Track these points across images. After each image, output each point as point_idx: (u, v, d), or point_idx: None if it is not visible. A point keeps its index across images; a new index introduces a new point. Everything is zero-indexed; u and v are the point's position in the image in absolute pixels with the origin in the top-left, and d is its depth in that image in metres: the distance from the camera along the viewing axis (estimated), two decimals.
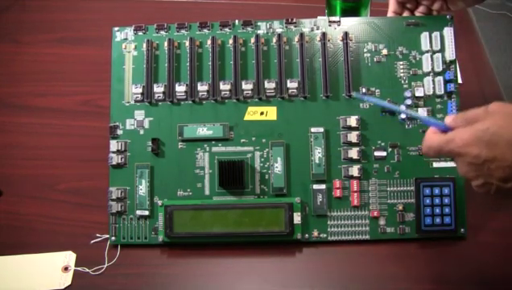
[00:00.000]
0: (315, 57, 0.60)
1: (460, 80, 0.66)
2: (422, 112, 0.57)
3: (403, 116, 0.57)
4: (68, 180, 0.63)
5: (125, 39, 0.62)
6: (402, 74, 0.59)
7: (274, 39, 0.60)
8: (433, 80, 0.58)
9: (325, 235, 0.57)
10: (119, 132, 0.60)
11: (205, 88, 0.59)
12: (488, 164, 0.39)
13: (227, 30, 0.61)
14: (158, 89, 0.59)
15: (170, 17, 0.72)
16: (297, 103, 0.59)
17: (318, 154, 0.58)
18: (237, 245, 0.57)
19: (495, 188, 0.40)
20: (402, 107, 0.51)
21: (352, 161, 0.57)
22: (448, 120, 0.43)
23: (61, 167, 0.64)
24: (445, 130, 0.43)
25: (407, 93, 0.58)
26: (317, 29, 0.60)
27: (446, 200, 0.56)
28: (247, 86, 0.59)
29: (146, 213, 0.58)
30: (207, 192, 0.58)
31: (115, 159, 0.59)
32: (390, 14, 0.61)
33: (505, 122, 0.39)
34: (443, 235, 0.56)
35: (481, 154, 0.39)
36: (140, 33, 0.61)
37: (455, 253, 0.57)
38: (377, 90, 0.59)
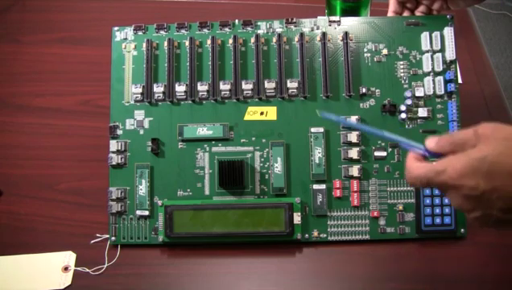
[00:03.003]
0: (315, 57, 0.60)
1: (460, 80, 0.66)
2: (422, 112, 0.57)
3: (403, 116, 0.57)
4: (68, 180, 0.63)
5: (125, 38, 0.62)
6: (402, 74, 0.59)
7: (274, 39, 0.60)
8: (433, 80, 0.58)
9: (325, 235, 0.57)
10: (119, 132, 0.59)
11: (205, 88, 0.59)
12: (487, 195, 0.34)
13: (227, 30, 0.61)
14: (158, 88, 0.59)
15: (170, 17, 0.72)
16: (297, 103, 0.59)
17: (318, 154, 0.57)
18: (237, 245, 0.57)
19: (494, 219, 0.36)
20: (382, 131, 0.46)
21: (352, 161, 0.57)
22: (431, 144, 0.38)
23: (61, 167, 0.64)
24: (427, 154, 0.39)
25: (407, 93, 0.58)
26: (317, 29, 0.60)
27: (446, 201, 0.56)
28: (247, 86, 0.59)
29: (146, 213, 0.58)
30: (207, 192, 0.58)
31: (115, 159, 0.59)
32: (390, 13, 0.61)
33: (504, 148, 0.34)
34: (443, 235, 0.56)
35: (478, 185, 0.34)
36: (140, 33, 0.61)
37: (455, 253, 0.57)
38: (377, 90, 0.59)
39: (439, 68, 0.58)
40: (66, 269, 0.57)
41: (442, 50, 0.58)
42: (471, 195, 0.35)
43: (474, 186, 0.35)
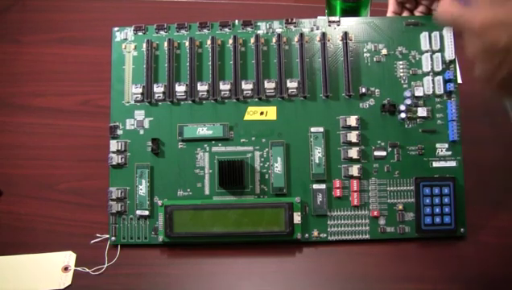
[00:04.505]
0: (314, 57, 0.60)
1: (459, 80, 0.66)
2: (421, 112, 0.57)
3: (403, 115, 0.57)
4: (68, 180, 0.63)
5: (125, 39, 0.62)
6: (401, 74, 0.59)
7: (274, 39, 0.60)
8: (433, 80, 0.58)
9: (325, 235, 0.57)
10: (119, 132, 0.60)
11: (205, 88, 0.59)
12: (503, 53, 0.35)
13: (227, 30, 0.61)
14: (158, 89, 0.59)
15: (170, 17, 0.72)
16: (297, 103, 0.59)
17: (318, 153, 0.58)
18: (237, 245, 0.57)
19: (500, 79, 0.36)
20: None
21: (352, 161, 0.57)
22: None
23: (61, 167, 0.64)
24: (465, 2, 0.40)
25: (407, 93, 0.58)
26: (317, 29, 0.60)
27: (446, 200, 0.56)
28: (247, 86, 0.59)
29: (146, 213, 0.58)
30: (207, 191, 0.58)
31: (115, 159, 0.59)
32: (389, 14, 0.61)
33: None
34: (443, 235, 0.56)
35: (500, 40, 0.35)
36: (140, 33, 0.61)
37: (455, 252, 0.57)
38: (376, 90, 0.59)
39: (438, 67, 0.58)
40: (66, 269, 0.57)
41: (441, 50, 0.58)
42: (490, 46, 0.36)
43: (496, 39, 0.35)
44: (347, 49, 0.59)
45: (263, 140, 0.58)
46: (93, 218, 0.60)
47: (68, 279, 0.56)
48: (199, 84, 0.59)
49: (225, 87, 0.59)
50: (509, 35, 0.34)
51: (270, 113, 0.59)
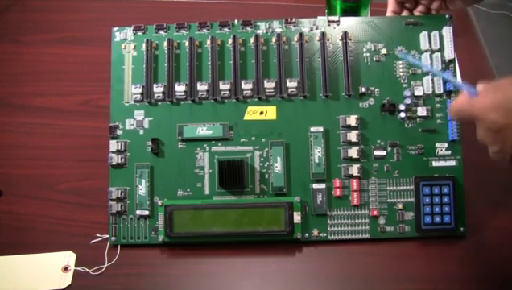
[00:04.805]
0: (314, 57, 0.60)
1: (459, 80, 0.66)
2: (421, 111, 0.57)
3: (403, 115, 0.57)
4: (68, 180, 0.63)
5: (125, 39, 0.62)
6: (401, 73, 0.59)
7: (274, 39, 0.60)
8: (432, 80, 0.58)
9: (325, 234, 0.57)
10: (119, 132, 0.60)
11: (205, 87, 0.59)
12: (504, 132, 0.40)
13: (226, 30, 0.61)
14: (158, 88, 0.59)
15: (170, 17, 0.72)
16: (297, 103, 0.59)
17: (318, 153, 0.58)
18: (237, 245, 0.57)
19: (509, 157, 0.41)
20: (441, 72, 0.53)
21: (351, 160, 0.57)
22: (480, 87, 0.44)
23: (61, 167, 0.64)
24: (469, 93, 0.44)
25: (407, 93, 0.58)
26: (316, 29, 0.60)
27: (446, 199, 0.56)
28: (247, 86, 0.59)
29: (146, 213, 0.58)
30: (207, 191, 0.58)
31: (115, 159, 0.59)
32: (389, 13, 0.61)
33: None
34: (442, 234, 0.56)
35: (498, 120, 0.40)
36: (139, 33, 0.61)
37: (455, 252, 0.57)
38: (376, 89, 0.59)
39: (438, 67, 0.58)
40: (66, 269, 0.57)
41: (441, 49, 0.58)
42: (492, 128, 0.40)
43: (495, 120, 0.40)
44: (347, 49, 0.59)
45: (263, 140, 0.59)
46: (93, 218, 0.60)
47: (68, 279, 0.56)
48: (198, 84, 0.59)
49: (224, 87, 0.59)
50: (506, 115, 0.39)
51: (270, 112, 0.59)
